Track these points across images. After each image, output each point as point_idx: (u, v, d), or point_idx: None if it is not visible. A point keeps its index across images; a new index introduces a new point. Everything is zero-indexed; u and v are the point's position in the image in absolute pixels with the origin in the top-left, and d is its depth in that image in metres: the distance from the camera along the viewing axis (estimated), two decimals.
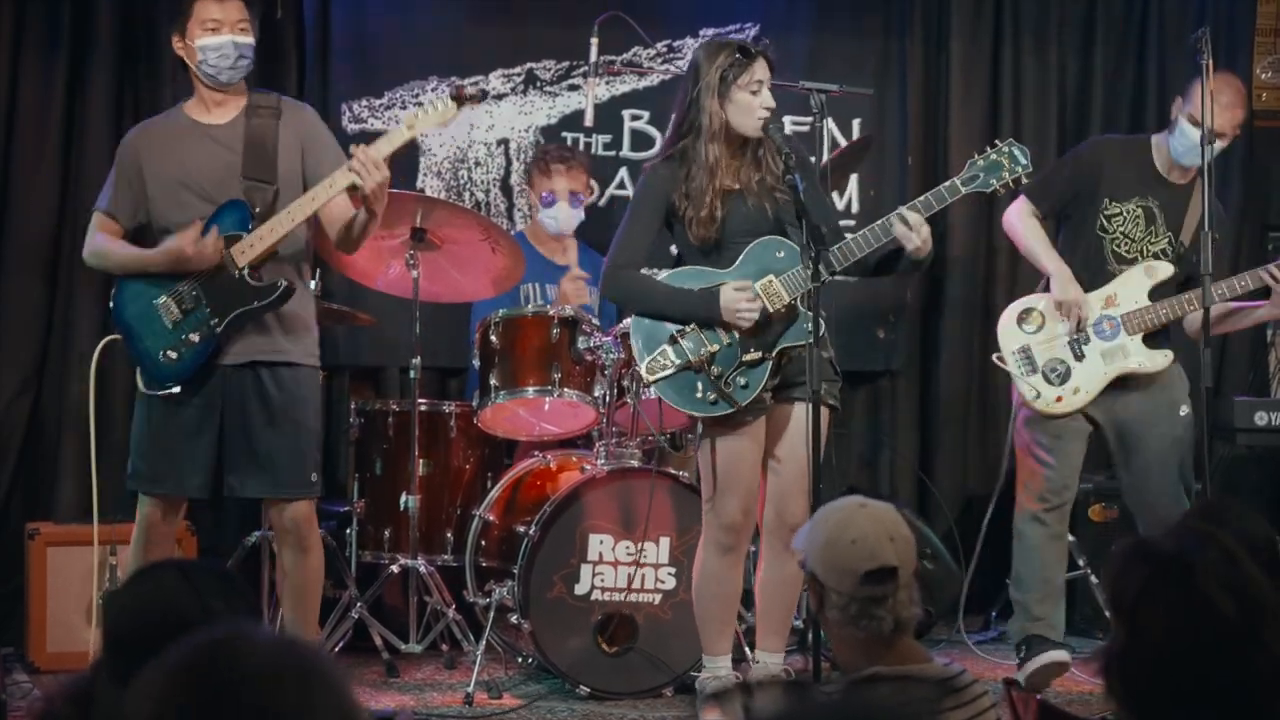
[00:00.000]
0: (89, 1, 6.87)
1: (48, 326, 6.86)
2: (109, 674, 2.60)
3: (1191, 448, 6.06)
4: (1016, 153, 5.26)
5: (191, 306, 5.18)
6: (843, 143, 7.54)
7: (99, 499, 5.68)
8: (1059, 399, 6.01)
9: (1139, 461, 6.03)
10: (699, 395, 5.21)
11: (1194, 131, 5.85)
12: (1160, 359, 6.00)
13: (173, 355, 5.19)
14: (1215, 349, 7.33)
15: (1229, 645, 2.46)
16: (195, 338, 5.18)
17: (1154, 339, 6.02)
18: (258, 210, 5.20)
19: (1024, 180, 5.33)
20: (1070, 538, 6.65)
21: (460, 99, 5.24)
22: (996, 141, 5.36)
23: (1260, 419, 7.09)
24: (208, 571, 2.76)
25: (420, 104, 6.67)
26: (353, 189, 5.15)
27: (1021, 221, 6.13)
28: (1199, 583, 2.49)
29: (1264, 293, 5.98)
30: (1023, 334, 6.10)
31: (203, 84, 5.31)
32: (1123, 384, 6.02)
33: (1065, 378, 5.99)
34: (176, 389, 5.19)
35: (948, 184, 5.27)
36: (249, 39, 5.28)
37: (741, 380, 5.20)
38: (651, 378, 5.23)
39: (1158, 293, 6.00)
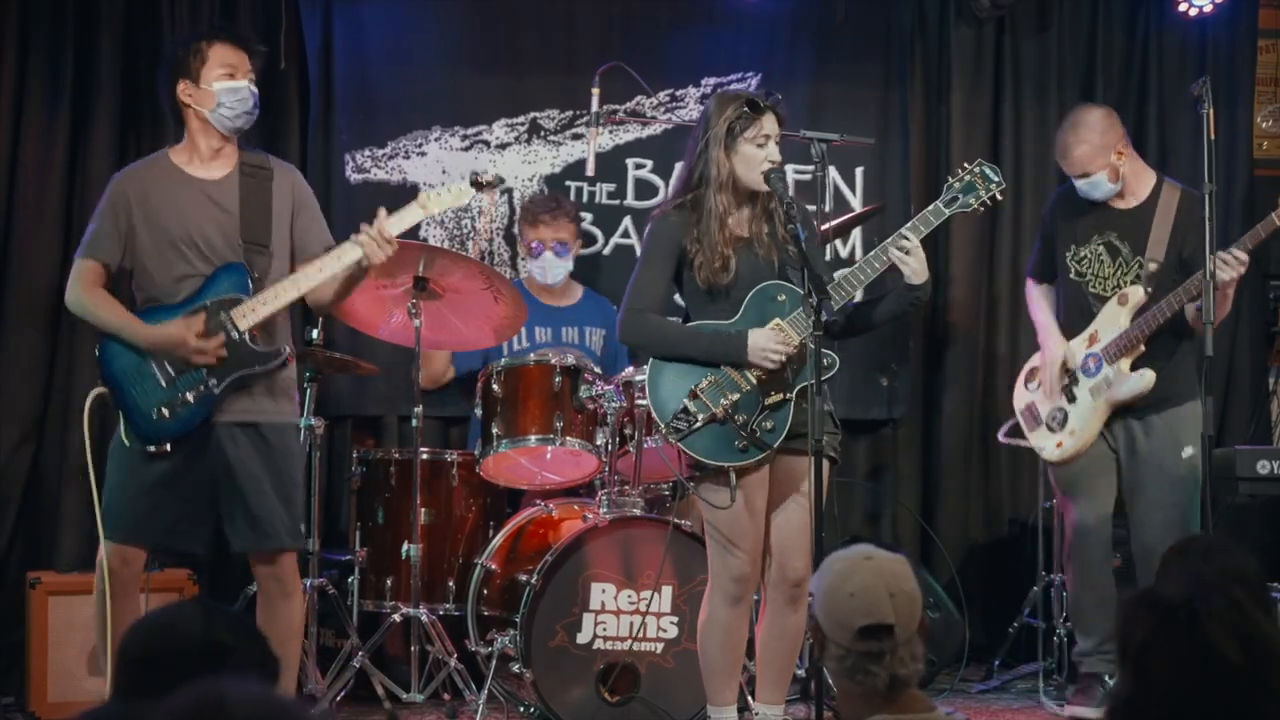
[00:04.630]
0: (91, 52, 6.91)
1: (49, 377, 6.86)
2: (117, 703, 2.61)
3: (1196, 490, 6.07)
4: (988, 171, 5.34)
5: (186, 366, 5.17)
6: (845, 190, 7.57)
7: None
8: (1059, 444, 6.20)
9: (1142, 501, 6.12)
10: (729, 445, 5.20)
11: (1076, 182, 6.17)
12: (1138, 381, 6.07)
13: (165, 413, 5.16)
14: (1218, 398, 7.37)
15: (1235, 692, 2.46)
16: (190, 397, 5.16)
17: (1141, 363, 6.09)
18: (256, 275, 5.21)
19: (999, 198, 5.40)
20: None
21: (478, 185, 5.38)
22: (966, 164, 5.43)
23: (1263, 468, 7.07)
24: (221, 610, 2.78)
25: (430, 162, 6.66)
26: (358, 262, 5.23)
27: (1030, 298, 6.48)
28: (1205, 630, 2.49)
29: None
30: (1028, 393, 6.37)
31: (210, 131, 5.27)
32: (1136, 415, 6.07)
33: (1063, 423, 6.18)
34: (167, 446, 5.17)
35: (931, 208, 5.32)
36: (257, 90, 5.30)
37: (768, 424, 5.19)
38: (678, 437, 5.21)
39: (1139, 316, 6.07)
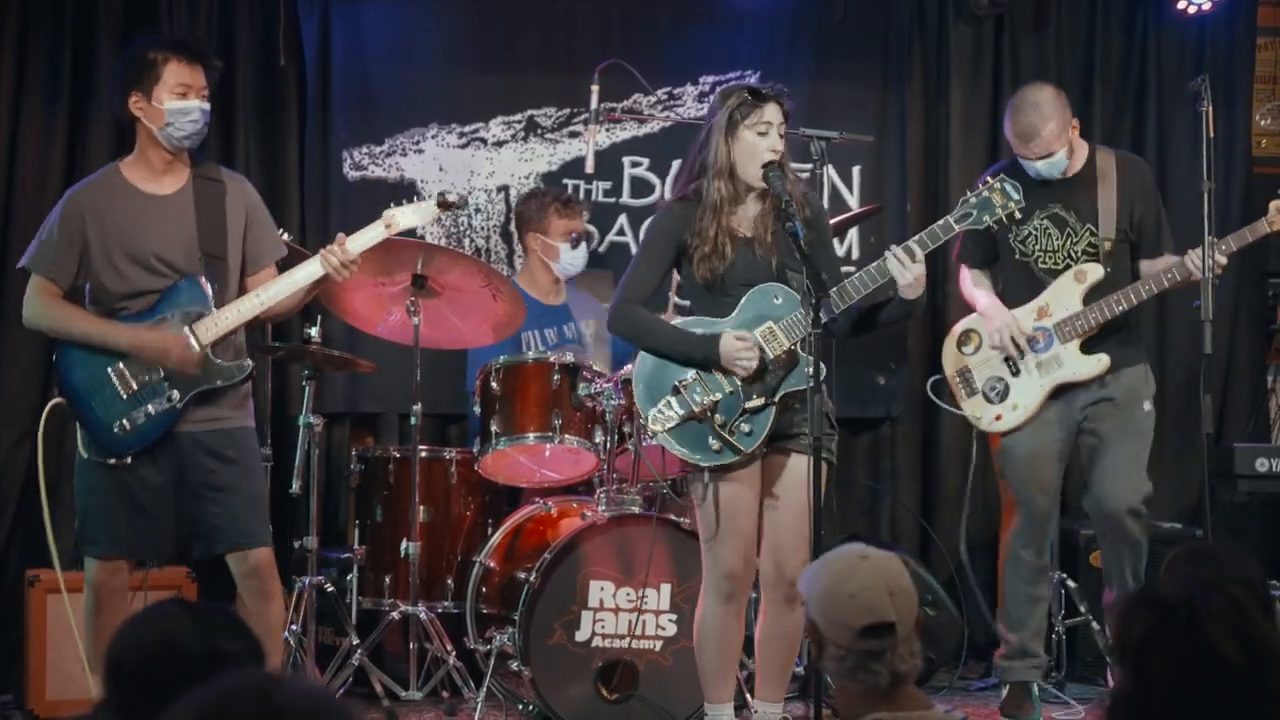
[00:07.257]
0: (90, 51, 6.91)
1: (46, 374, 6.85)
2: (112, 713, 2.60)
3: (1150, 439, 6.09)
4: (1009, 188, 5.24)
5: (148, 378, 5.16)
6: (842, 189, 7.57)
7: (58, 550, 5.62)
8: (998, 417, 6.08)
9: (1106, 462, 6.03)
10: (704, 444, 5.20)
11: (1029, 164, 6.00)
12: (1094, 364, 5.99)
13: (127, 426, 5.15)
14: (1216, 396, 7.36)
15: (1235, 691, 2.46)
16: (152, 409, 5.15)
17: (1092, 344, 6.01)
18: (215, 286, 5.21)
19: (1017, 215, 5.30)
20: (1071, 584, 6.65)
21: (444, 205, 5.42)
22: (988, 178, 5.37)
23: (1261, 466, 7.08)
24: (212, 610, 2.77)
25: (417, 172, 6.65)
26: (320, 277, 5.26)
27: (965, 280, 6.35)
28: (1205, 629, 2.49)
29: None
30: (962, 356, 6.19)
31: (159, 147, 5.24)
32: (1093, 392, 6.00)
33: (1004, 395, 6.06)
34: (128, 459, 5.17)
35: (941, 222, 5.26)
36: (209, 106, 5.27)
37: (746, 427, 5.19)
38: (657, 428, 5.22)
39: (1093, 296, 6.00)
